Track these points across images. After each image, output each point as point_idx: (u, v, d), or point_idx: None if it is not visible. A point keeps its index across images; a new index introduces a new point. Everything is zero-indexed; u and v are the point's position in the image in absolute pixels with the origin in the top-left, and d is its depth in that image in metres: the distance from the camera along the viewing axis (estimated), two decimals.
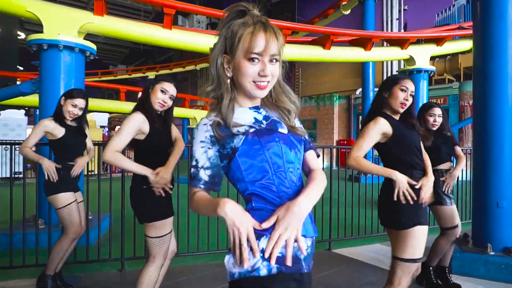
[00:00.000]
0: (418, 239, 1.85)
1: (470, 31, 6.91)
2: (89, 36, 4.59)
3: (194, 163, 0.99)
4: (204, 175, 0.97)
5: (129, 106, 9.55)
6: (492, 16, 3.44)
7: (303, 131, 1.11)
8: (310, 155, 1.13)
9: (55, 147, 2.74)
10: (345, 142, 14.89)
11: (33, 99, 8.03)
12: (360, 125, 11.29)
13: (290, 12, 21.18)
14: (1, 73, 10.80)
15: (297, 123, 1.11)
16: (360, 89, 12.30)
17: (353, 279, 3.17)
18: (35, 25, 25.38)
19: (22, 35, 20.22)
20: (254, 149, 0.96)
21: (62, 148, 2.69)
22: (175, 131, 2.33)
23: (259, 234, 0.88)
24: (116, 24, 4.52)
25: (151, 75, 19.05)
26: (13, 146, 3.59)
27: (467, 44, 6.80)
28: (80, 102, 2.73)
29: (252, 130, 0.99)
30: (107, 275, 3.23)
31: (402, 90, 1.99)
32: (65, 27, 4.19)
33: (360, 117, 13.83)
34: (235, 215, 0.84)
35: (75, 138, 2.77)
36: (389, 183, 1.91)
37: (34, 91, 4.52)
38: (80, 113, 2.75)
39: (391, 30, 16.01)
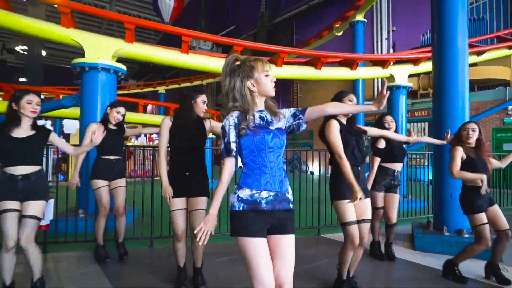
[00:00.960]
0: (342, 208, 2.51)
1: None
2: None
3: (226, 140, 1.60)
4: (234, 147, 1.61)
5: (145, 117, 10.25)
6: (445, 46, 4.14)
7: (289, 112, 1.72)
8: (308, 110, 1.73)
9: (98, 144, 3.39)
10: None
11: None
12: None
13: (289, 31, 21.83)
14: (31, 88, 11.48)
15: (285, 112, 1.73)
16: None
17: (335, 254, 3.81)
18: (56, 44, 26.29)
19: (43, 53, 21.12)
20: (248, 136, 1.60)
21: (102, 145, 3.33)
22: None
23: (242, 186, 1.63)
24: (143, 50, 5.23)
25: (161, 89, 19.78)
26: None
27: None
28: (122, 110, 3.45)
29: (256, 125, 1.62)
30: (140, 251, 3.89)
31: (350, 100, 2.69)
32: (103, 52, 4.89)
33: None
34: None
35: (113, 138, 3.44)
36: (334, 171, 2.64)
37: (74, 104, 5.23)
38: (121, 118, 3.46)
39: (381, 49, 16.77)
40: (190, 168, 2.71)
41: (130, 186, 3.88)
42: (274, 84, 1.69)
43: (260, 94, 1.67)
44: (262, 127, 1.64)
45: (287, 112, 1.75)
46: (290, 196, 1.70)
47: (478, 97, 11.49)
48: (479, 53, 7.80)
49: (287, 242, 1.64)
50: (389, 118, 3.61)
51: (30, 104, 2.37)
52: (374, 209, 3.48)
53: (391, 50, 16.57)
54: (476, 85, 13.54)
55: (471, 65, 9.14)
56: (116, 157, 3.51)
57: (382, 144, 3.55)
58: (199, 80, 18.45)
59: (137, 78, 36.39)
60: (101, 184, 3.39)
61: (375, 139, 3.59)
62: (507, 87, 10.98)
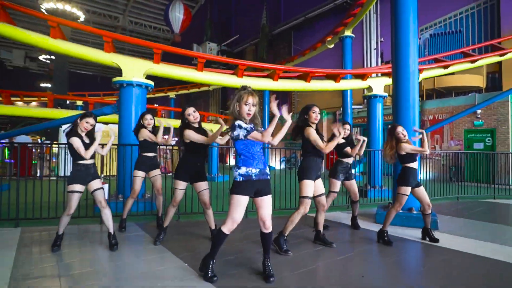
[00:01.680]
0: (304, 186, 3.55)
1: None
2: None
3: (249, 128, 2.59)
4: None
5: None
6: (400, 70, 5.19)
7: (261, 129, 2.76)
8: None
9: (141, 144, 4.45)
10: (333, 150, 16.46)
11: None
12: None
13: (287, 42, 22.74)
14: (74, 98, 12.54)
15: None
16: (341, 109, 13.96)
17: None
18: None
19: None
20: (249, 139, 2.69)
21: (142, 145, 4.44)
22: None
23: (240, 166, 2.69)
24: (167, 69, 6.30)
25: (171, 94, 20.86)
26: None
27: None
28: (150, 117, 4.50)
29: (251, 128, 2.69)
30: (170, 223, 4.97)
31: (313, 112, 3.73)
32: (136, 71, 5.95)
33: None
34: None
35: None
36: (303, 161, 3.70)
37: (113, 112, 6.31)
38: (152, 122, 4.50)
39: (370, 58, 17.75)
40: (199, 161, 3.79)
41: None
42: (249, 111, 2.59)
43: (240, 114, 2.61)
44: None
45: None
46: (267, 171, 2.78)
47: (453, 102, 12.50)
48: (445, 67, 8.82)
49: (266, 199, 2.72)
50: (347, 126, 4.67)
51: (87, 123, 3.48)
52: (333, 192, 4.60)
53: (379, 60, 17.56)
54: (453, 91, 14.56)
55: (445, 74, 10.18)
56: (153, 154, 4.57)
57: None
58: (206, 86, 19.53)
59: None
60: (139, 174, 4.43)
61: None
62: (476, 94, 11.97)
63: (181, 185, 3.72)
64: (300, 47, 21.61)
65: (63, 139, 11.57)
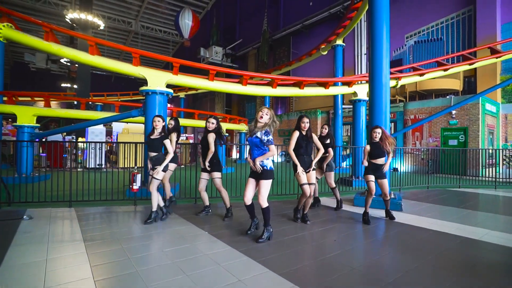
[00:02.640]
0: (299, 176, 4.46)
1: (395, 75, 9.45)
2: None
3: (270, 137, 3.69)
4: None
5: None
6: (375, 82, 5.99)
7: (261, 138, 3.71)
8: (271, 147, 3.79)
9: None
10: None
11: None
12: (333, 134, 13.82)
13: (286, 46, 23.41)
14: (105, 101, 13.34)
15: (261, 135, 3.69)
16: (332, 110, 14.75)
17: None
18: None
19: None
20: (249, 140, 3.72)
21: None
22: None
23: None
24: (184, 79, 7.12)
25: (181, 94, 21.66)
26: (99, 145, 6.14)
27: (392, 82, 9.34)
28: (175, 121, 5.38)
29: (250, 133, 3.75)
30: (188, 205, 5.85)
31: (302, 123, 4.58)
32: (159, 82, 6.77)
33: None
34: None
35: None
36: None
37: (139, 115, 7.15)
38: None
39: (360, 63, 18.47)
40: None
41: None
42: (261, 116, 3.63)
43: (256, 118, 3.69)
44: (249, 136, 3.75)
45: (261, 135, 3.61)
46: (257, 164, 3.64)
47: (431, 104, 13.26)
48: (421, 75, 9.59)
49: (261, 183, 3.64)
50: (325, 127, 5.52)
51: (154, 122, 4.62)
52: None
53: (367, 64, 18.26)
54: (434, 93, 15.31)
55: (422, 80, 10.95)
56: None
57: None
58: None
59: None
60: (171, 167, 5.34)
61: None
62: (452, 96, 12.72)
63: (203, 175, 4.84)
64: (298, 51, 22.34)
65: (90, 135, 12.45)
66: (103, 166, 11.42)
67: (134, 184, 5.42)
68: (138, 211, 5.16)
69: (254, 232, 3.94)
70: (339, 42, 12.94)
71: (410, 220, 4.80)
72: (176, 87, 24.12)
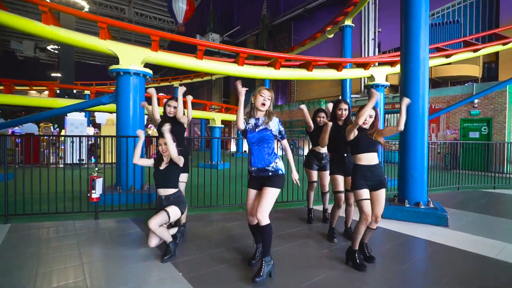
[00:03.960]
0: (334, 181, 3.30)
1: None
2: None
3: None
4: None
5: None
6: (410, 57, 4.55)
7: (276, 128, 2.59)
8: (285, 142, 2.65)
9: None
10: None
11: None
12: None
13: (287, 32, 21.82)
14: (75, 87, 11.89)
15: (275, 126, 2.55)
16: (340, 97, 13.33)
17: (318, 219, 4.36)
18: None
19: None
20: (248, 133, 2.48)
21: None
22: None
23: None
24: (165, 57, 5.66)
25: (176, 84, 20.12)
26: (80, 138, 4.48)
27: None
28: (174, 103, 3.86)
29: (249, 127, 2.50)
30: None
31: (339, 109, 3.22)
32: (133, 60, 5.33)
33: None
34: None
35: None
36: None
37: (111, 102, 5.70)
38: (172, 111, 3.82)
39: (368, 48, 16.93)
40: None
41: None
42: (263, 102, 2.53)
43: (255, 106, 2.57)
44: (250, 130, 2.55)
45: (276, 126, 2.60)
46: (270, 168, 2.54)
47: (449, 92, 11.82)
48: (447, 56, 8.13)
49: (264, 191, 2.49)
50: (321, 114, 4.07)
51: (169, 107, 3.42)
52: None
53: (376, 50, 16.76)
54: (450, 81, 13.85)
55: (445, 64, 9.49)
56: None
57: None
58: (208, 76, 18.78)
59: (153, 72, 36.51)
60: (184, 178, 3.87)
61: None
62: (474, 83, 11.28)
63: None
64: (299, 37, 20.74)
65: (69, 127, 11.00)
66: (84, 161, 10.02)
67: (93, 192, 4.03)
68: (100, 229, 3.77)
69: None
70: (348, 22, 11.39)
71: (466, 243, 3.42)
72: (170, 76, 22.59)
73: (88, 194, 3.99)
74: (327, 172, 4.01)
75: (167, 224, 2.97)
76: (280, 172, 2.54)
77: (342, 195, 3.44)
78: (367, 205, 2.67)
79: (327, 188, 4.16)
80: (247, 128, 2.56)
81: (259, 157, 2.54)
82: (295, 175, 2.65)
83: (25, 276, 2.44)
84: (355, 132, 2.80)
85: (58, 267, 2.64)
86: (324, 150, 4.08)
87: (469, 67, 12.89)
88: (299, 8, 20.06)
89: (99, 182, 4.03)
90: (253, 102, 2.57)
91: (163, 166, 3.01)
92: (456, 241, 3.49)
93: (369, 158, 2.75)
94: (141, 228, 3.78)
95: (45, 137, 9.04)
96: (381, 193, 2.72)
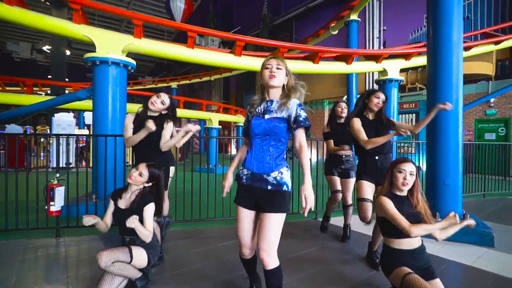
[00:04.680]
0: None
1: None
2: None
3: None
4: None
5: None
6: (440, 39, 3.76)
7: (295, 113, 1.67)
8: (299, 133, 1.68)
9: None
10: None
11: (79, 104, 8.51)
12: None
13: (288, 32, 21.12)
14: (54, 83, 11.18)
15: (293, 109, 1.67)
16: (345, 96, 12.55)
17: (329, 234, 3.54)
18: (81, 44, 25.79)
19: (68, 52, 20.70)
20: (252, 119, 1.72)
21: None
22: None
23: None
24: (150, 45, 4.87)
25: (173, 85, 19.39)
26: (66, 139, 3.81)
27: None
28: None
29: (256, 111, 1.75)
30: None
31: (374, 98, 2.47)
32: (112, 47, 4.55)
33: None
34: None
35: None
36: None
37: (88, 97, 4.91)
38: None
39: (373, 47, 16.19)
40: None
41: None
42: (271, 74, 1.67)
43: (264, 84, 1.73)
44: (258, 115, 1.69)
45: (292, 110, 1.67)
46: (271, 179, 1.64)
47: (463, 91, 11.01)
48: (466, 49, 7.34)
49: (265, 219, 1.63)
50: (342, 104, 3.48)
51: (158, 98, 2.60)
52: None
53: (381, 48, 16.01)
54: None
55: (466, 57, 8.72)
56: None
57: None
58: (207, 76, 18.05)
59: (152, 75, 35.97)
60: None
61: None
62: (489, 81, 10.48)
63: None
64: (301, 37, 20.01)
65: (56, 128, 10.23)
66: (72, 165, 9.23)
67: (52, 203, 3.21)
68: (57, 252, 2.95)
69: None
70: (354, 17, 10.65)
71: None
72: (168, 77, 21.88)
73: (46, 207, 3.17)
74: (351, 180, 3.30)
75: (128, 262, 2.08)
76: (285, 188, 1.65)
77: (366, 204, 2.62)
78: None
79: (350, 201, 3.38)
80: (253, 114, 1.74)
81: (257, 156, 1.68)
82: (307, 192, 1.55)
83: None
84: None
85: None
86: (345, 152, 3.29)
87: (482, 65, 12.06)
88: (300, 7, 19.36)
89: (59, 192, 3.21)
90: (261, 82, 1.75)
91: (123, 204, 2.18)
92: (510, 267, 2.66)
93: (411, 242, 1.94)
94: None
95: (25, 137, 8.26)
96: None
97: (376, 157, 2.63)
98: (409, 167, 1.95)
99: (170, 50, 4.96)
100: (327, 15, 17.73)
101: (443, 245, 3.27)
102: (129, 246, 2.09)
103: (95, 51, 4.46)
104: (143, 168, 2.17)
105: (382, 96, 2.73)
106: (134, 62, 4.80)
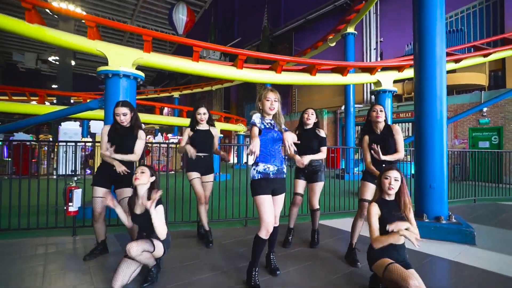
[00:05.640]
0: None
1: None
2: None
3: (256, 121, 2.34)
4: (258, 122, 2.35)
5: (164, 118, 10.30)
6: (425, 55, 4.12)
7: (283, 128, 2.44)
8: (288, 135, 2.34)
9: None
10: (332, 148, 15.38)
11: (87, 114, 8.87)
12: (344, 135, 11.95)
13: (288, 43, 21.63)
14: (64, 94, 11.60)
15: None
16: (343, 106, 12.94)
17: (330, 235, 3.83)
18: (85, 55, 26.35)
19: (73, 62, 21.20)
20: (264, 133, 2.28)
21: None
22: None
23: (258, 163, 2.33)
24: (158, 59, 5.25)
25: (175, 94, 19.84)
26: (72, 147, 4.13)
27: None
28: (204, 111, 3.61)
29: (265, 126, 2.39)
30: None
31: (373, 110, 2.85)
32: (124, 61, 4.91)
33: (344, 128, 14.33)
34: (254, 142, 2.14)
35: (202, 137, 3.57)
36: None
37: (100, 107, 5.27)
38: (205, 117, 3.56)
39: (370, 58, 16.65)
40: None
41: None
42: (271, 107, 2.40)
43: (263, 110, 2.43)
44: (270, 129, 2.40)
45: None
46: (285, 170, 2.52)
47: (456, 100, 11.41)
48: (456, 61, 7.74)
49: (280, 198, 2.51)
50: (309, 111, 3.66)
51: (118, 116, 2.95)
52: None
53: (378, 59, 16.47)
54: (455, 90, 13.43)
55: (450, 71, 9.10)
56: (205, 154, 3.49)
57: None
58: (208, 86, 18.50)
59: (154, 85, 36.55)
60: (194, 175, 3.40)
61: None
62: (482, 91, 10.86)
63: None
64: (300, 48, 20.52)
65: (62, 137, 10.57)
66: (78, 172, 9.52)
67: (70, 204, 3.53)
68: (75, 248, 3.26)
69: None
70: (351, 30, 11.13)
71: (499, 265, 2.88)
72: (169, 86, 22.33)
73: (65, 208, 3.48)
74: (318, 184, 3.34)
75: (148, 257, 2.37)
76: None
77: (365, 204, 2.90)
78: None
79: (317, 205, 3.41)
80: (264, 126, 2.38)
81: (276, 156, 2.42)
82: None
83: None
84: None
85: None
86: (297, 160, 3.27)
87: (475, 75, 12.48)
88: (300, 19, 19.93)
89: (77, 194, 3.53)
90: (260, 107, 2.44)
91: (139, 210, 2.48)
92: (487, 262, 2.96)
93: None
94: (123, 247, 3.27)
95: (33, 145, 8.59)
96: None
97: (383, 165, 2.82)
98: (393, 174, 2.26)
99: (176, 63, 5.33)
100: (326, 26, 18.28)
101: (427, 242, 3.55)
102: (150, 238, 2.39)
103: (99, 61, 4.85)
104: (140, 169, 2.49)
105: (377, 107, 2.95)
106: (143, 74, 5.17)
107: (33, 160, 10.42)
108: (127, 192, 2.85)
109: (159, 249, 2.40)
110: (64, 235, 3.65)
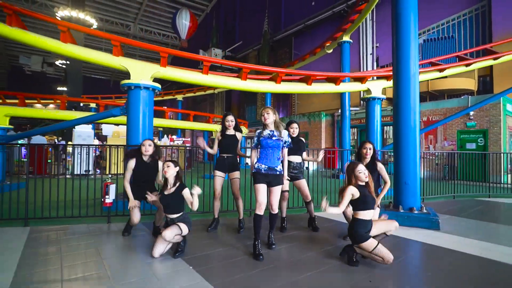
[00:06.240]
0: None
1: None
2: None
3: (255, 141, 3.19)
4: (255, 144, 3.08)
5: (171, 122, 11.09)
6: (401, 72, 4.90)
7: (285, 139, 3.33)
8: (285, 151, 3.37)
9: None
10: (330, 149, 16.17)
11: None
12: (340, 136, 12.72)
13: (288, 47, 22.42)
14: (85, 100, 12.37)
15: (285, 137, 3.31)
16: (340, 110, 13.69)
17: (323, 227, 4.60)
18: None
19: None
20: (263, 141, 3.13)
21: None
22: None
23: (258, 162, 3.28)
24: (174, 72, 6.04)
25: (179, 97, 20.61)
26: (85, 149, 4.95)
27: None
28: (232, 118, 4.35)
29: (264, 137, 3.14)
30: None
31: (363, 148, 3.57)
32: (143, 75, 5.70)
33: (341, 131, 15.08)
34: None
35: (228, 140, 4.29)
36: None
37: (122, 114, 6.06)
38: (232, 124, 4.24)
39: (366, 63, 17.44)
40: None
41: None
42: (266, 118, 3.25)
43: (264, 122, 3.29)
44: (268, 137, 3.20)
45: (286, 137, 3.34)
46: (278, 168, 3.27)
47: (446, 104, 12.18)
48: (441, 70, 8.52)
49: (274, 190, 3.27)
50: (294, 125, 4.31)
51: (143, 147, 3.81)
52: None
53: (375, 64, 17.25)
54: (446, 94, 14.24)
55: (440, 78, 9.87)
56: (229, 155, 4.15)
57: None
58: (211, 89, 19.25)
59: None
60: (218, 174, 4.09)
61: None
62: (469, 96, 11.65)
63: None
64: (300, 52, 21.34)
65: (77, 139, 11.37)
66: (91, 172, 10.32)
67: (107, 197, 4.32)
68: (113, 232, 4.05)
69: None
70: (346, 38, 11.92)
71: (454, 244, 3.67)
72: (173, 90, 23.10)
73: (102, 200, 4.28)
74: (301, 181, 4.18)
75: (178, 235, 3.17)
76: (281, 172, 3.33)
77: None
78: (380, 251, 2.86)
79: (309, 197, 4.26)
80: (263, 136, 3.25)
81: (270, 159, 3.22)
82: (286, 177, 3.54)
83: (52, 269, 2.72)
84: (354, 195, 2.96)
85: (80, 262, 2.92)
86: (293, 159, 4.17)
87: (465, 81, 13.29)
88: (299, 24, 20.73)
89: (112, 188, 4.33)
90: (262, 121, 3.32)
91: (167, 191, 3.26)
92: (445, 241, 3.75)
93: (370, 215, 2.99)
94: (151, 231, 4.06)
95: (49, 148, 9.39)
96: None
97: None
98: (363, 168, 3.05)
99: (189, 76, 6.14)
100: (325, 32, 19.10)
101: (400, 228, 4.33)
102: (176, 224, 3.18)
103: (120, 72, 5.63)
104: (166, 164, 3.27)
105: (367, 145, 3.72)
106: (159, 86, 5.96)
107: (48, 161, 11.20)
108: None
109: (185, 230, 3.19)
110: (100, 222, 4.44)
